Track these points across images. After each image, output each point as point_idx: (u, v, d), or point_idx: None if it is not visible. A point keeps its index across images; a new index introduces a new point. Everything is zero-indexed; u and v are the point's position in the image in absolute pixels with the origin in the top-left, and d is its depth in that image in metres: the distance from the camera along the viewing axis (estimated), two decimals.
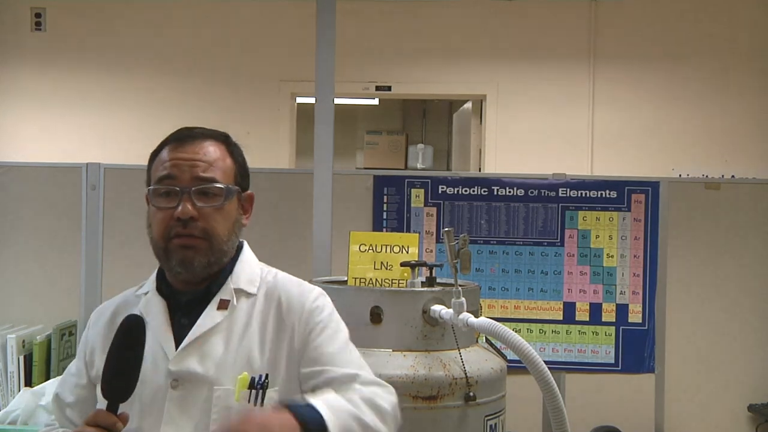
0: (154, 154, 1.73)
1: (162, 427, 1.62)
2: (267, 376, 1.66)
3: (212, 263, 1.69)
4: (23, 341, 3.10)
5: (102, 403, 1.65)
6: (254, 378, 1.65)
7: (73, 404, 1.77)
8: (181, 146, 1.70)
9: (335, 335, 1.72)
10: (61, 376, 1.85)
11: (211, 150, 1.71)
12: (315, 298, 1.75)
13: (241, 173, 1.77)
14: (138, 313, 1.68)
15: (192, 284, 1.72)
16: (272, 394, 1.65)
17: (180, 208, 1.64)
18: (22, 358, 3.07)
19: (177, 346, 1.67)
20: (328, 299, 1.79)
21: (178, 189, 1.66)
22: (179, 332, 1.69)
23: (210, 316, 1.69)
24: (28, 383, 3.06)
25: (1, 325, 3.25)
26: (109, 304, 1.82)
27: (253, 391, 1.64)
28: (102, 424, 1.51)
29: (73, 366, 1.81)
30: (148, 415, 1.63)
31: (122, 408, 1.54)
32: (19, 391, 2.99)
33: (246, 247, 1.82)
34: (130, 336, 1.54)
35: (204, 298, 1.71)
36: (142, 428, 1.63)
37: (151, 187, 1.69)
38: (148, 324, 1.65)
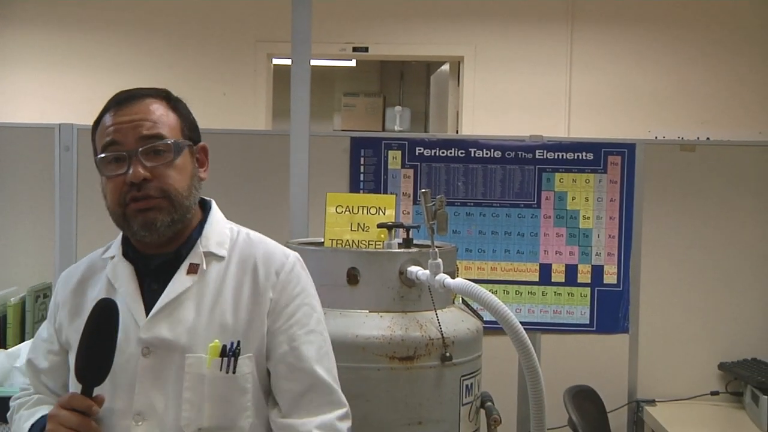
0: (96, 123, 1.67)
1: (135, 396, 1.60)
2: (239, 343, 1.63)
3: (176, 221, 1.63)
4: None
5: (72, 378, 1.66)
6: (226, 345, 1.62)
7: (47, 370, 1.75)
8: (121, 109, 1.63)
9: (308, 321, 1.71)
10: (33, 340, 1.83)
11: (153, 107, 1.65)
12: (292, 265, 1.72)
13: (189, 126, 1.71)
14: (106, 279, 1.68)
15: (158, 247, 1.67)
16: (245, 361, 1.63)
17: (131, 171, 1.59)
18: None
19: (147, 313, 1.63)
20: (303, 267, 1.76)
21: (125, 153, 1.60)
22: (150, 298, 1.65)
23: (180, 281, 1.65)
24: (2, 345, 3.05)
25: None
26: (76, 268, 1.78)
27: (225, 359, 1.61)
28: (77, 408, 1.53)
29: (44, 331, 1.79)
30: (121, 385, 1.60)
31: None
32: None
33: (215, 206, 1.78)
34: (103, 320, 1.54)
35: (174, 262, 1.67)
36: (115, 398, 1.60)
37: (97, 158, 1.63)
38: (117, 290, 1.65)
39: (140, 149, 1.60)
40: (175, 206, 1.62)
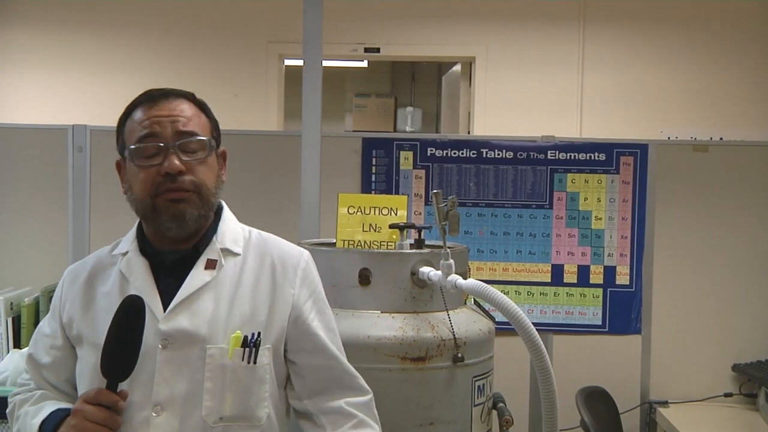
0: (124, 118, 1.73)
1: (154, 387, 1.63)
2: (259, 334, 1.68)
3: (202, 216, 1.70)
4: (11, 303, 3.11)
5: (83, 371, 1.70)
6: (247, 336, 1.67)
7: (49, 365, 1.77)
8: (156, 105, 1.71)
9: (324, 316, 1.81)
10: (32, 336, 1.87)
11: (186, 107, 1.72)
12: (306, 262, 1.81)
13: (216, 129, 1.79)
14: (119, 273, 1.72)
15: (175, 243, 1.72)
16: (264, 352, 1.69)
17: (167, 163, 1.64)
18: (10, 320, 3.09)
19: (164, 306, 1.67)
20: (314, 264, 1.85)
21: (162, 145, 1.66)
22: (165, 292, 1.69)
23: (198, 276, 1.69)
24: (17, 345, 3.08)
25: None
26: (83, 265, 1.82)
27: (246, 349, 1.66)
28: (104, 403, 1.57)
29: (45, 326, 1.81)
30: (139, 376, 1.62)
31: None
32: (8, 352, 3.01)
33: (226, 207, 1.84)
34: (131, 316, 1.58)
35: (190, 259, 1.72)
36: (133, 391, 1.62)
37: (132, 147, 1.68)
38: (132, 284, 1.70)
39: (177, 143, 1.67)
40: (204, 201, 1.69)
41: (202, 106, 1.78)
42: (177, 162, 1.65)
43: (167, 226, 1.67)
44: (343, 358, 1.79)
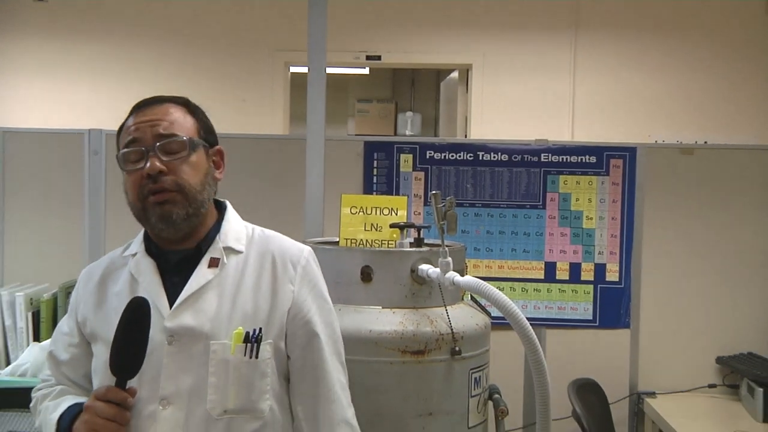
0: (121, 127, 1.78)
1: (161, 383, 1.66)
2: (261, 330, 1.70)
3: (191, 215, 1.71)
4: (31, 299, 3.16)
5: (97, 367, 1.76)
6: (249, 332, 1.69)
7: (68, 362, 1.82)
8: (141, 111, 1.74)
9: (322, 311, 1.80)
10: (53, 334, 1.92)
11: (171, 110, 1.75)
12: (306, 259, 1.81)
13: (205, 129, 1.80)
14: (129, 274, 1.78)
15: (178, 243, 1.75)
16: (266, 347, 1.71)
17: (148, 164, 1.67)
18: (30, 314, 3.13)
19: (170, 304, 1.70)
20: (315, 260, 1.85)
21: (143, 149, 1.69)
22: (171, 291, 1.72)
23: (202, 274, 1.72)
24: (36, 338, 3.13)
25: (10, 284, 3.32)
26: (97, 266, 1.86)
27: (248, 344, 1.69)
28: (113, 400, 1.62)
29: (64, 325, 1.86)
30: (147, 372, 1.66)
31: None
32: (28, 345, 3.07)
33: (230, 207, 1.87)
34: (136, 316, 1.61)
35: (194, 257, 1.75)
36: (140, 386, 1.66)
37: (119, 154, 1.73)
38: (141, 284, 1.74)
39: (157, 144, 1.69)
40: (189, 200, 1.70)
41: (192, 110, 1.80)
42: (157, 163, 1.67)
43: (158, 227, 1.70)
44: (336, 362, 1.79)
